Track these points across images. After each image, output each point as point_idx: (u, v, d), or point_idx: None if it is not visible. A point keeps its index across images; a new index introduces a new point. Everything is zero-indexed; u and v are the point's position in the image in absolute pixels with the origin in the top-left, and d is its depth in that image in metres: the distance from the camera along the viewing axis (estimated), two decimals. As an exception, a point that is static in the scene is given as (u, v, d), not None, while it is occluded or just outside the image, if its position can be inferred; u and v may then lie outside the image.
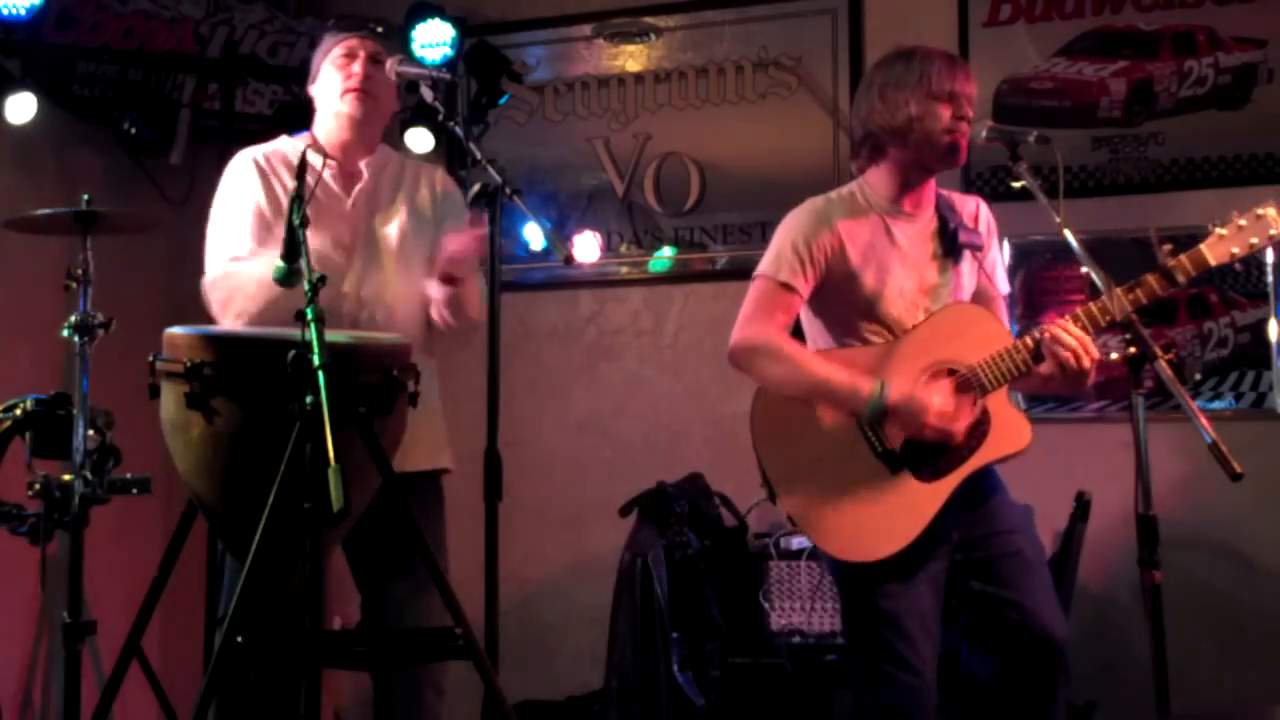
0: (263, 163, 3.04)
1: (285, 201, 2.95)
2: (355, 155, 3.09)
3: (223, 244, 2.97)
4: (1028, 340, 2.80)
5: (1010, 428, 2.84)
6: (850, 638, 2.98)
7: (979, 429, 2.85)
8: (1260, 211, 2.77)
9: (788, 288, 2.93)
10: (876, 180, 3.00)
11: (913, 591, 2.85)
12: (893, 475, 2.84)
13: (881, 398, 2.80)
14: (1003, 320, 3.01)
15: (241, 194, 3.01)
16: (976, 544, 2.91)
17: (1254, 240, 2.76)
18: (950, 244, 2.98)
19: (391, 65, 3.10)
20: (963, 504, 2.89)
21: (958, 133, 2.89)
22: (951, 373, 2.86)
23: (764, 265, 2.99)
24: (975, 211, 3.08)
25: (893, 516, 2.83)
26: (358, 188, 3.06)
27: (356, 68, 3.03)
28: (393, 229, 3.04)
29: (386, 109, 3.15)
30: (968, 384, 2.85)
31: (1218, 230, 2.78)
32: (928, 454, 2.84)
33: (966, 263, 3.01)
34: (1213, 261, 2.78)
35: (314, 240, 2.95)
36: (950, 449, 2.83)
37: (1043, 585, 2.91)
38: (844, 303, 2.96)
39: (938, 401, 2.80)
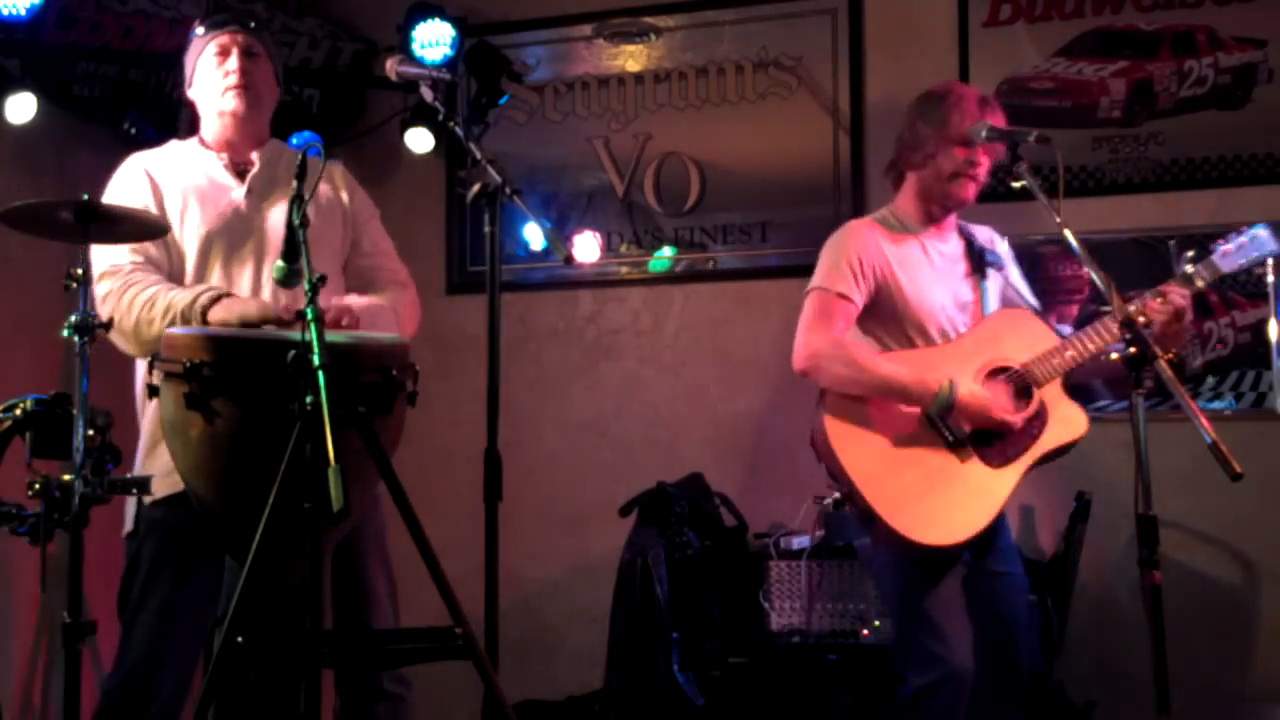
0: (152, 171, 3.01)
1: (171, 208, 2.95)
2: (244, 151, 3.05)
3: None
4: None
5: (1067, 417, 3.09)
6: (902, 621, 3.18)
7: (1038, 419, 3.07)
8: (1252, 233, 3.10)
9: (843, 298, 3.15)
10: (903, 205, 3.26)
11: (954, 577, 3.10)
12: (962, 463, 3.06)
13: (951, 394, 3.02)
14: (1042, 321, 3.23)
15: (130, 200, 2.96)
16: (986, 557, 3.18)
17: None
18: (978, 262, 3.22)
19: (392, 65, 3.09)
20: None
21: (966, 176, 3.12)
22: (1002, 370, 3.09)
23: (818, 279, 3.20)
24: (989, 237, 3.34)
25: (968, 500, 3.05)
26: (251, 174, 3.02)
27: (232, 64, 2.98)
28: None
29: (270, 100, 3.09)
30: (1022, 380, 3.08)
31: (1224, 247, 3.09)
32: (994, 443, 3.06)
33: (992, 280, 3.25)
34: (1225, 269, 3.07)
35: (200, 235, 2.94)
36: (1014, 437, 3.05)
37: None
38: (888, 317, 3.19)
39: (999, 399, 3.06)
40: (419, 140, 4.89)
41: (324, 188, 3.08)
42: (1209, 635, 4.22)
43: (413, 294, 3.14)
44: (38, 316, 4.25)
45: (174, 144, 3.13)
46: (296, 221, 2.47)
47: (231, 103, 2.99)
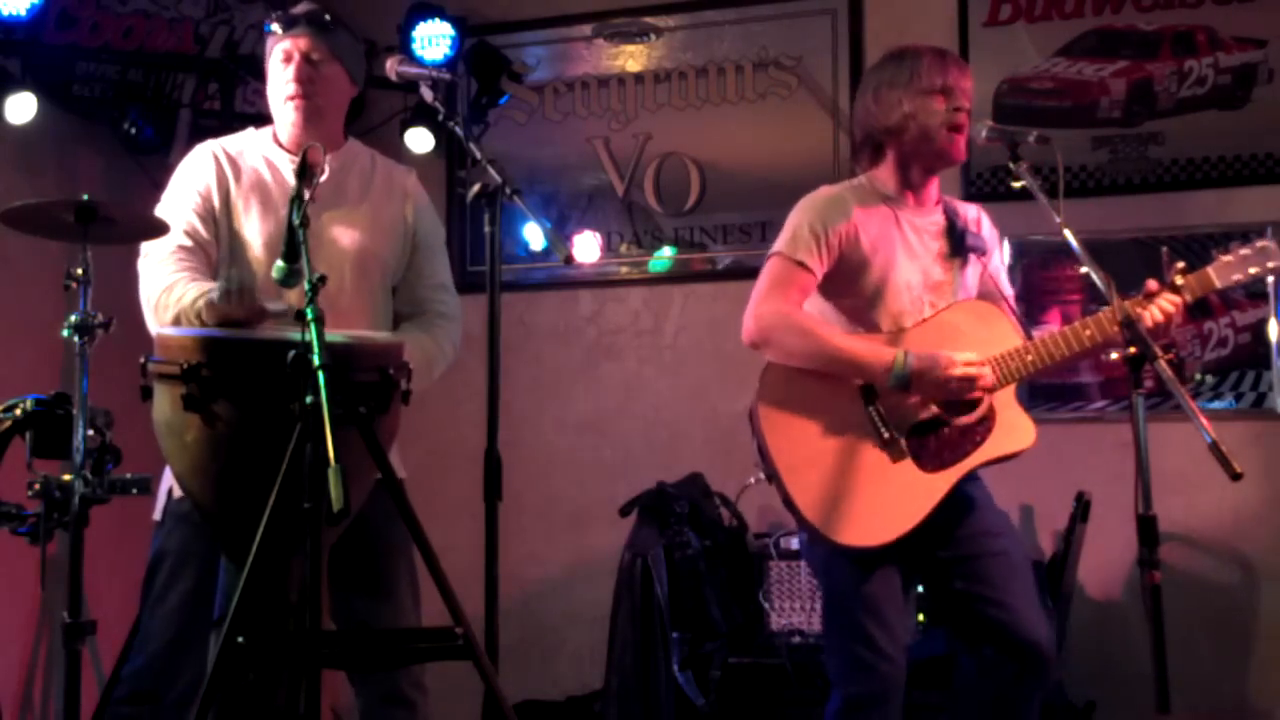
0: (221, 157, 2.99)
1: (235, 196, 2.95)
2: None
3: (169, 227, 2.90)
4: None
5: (1015, 427, 2.88)
6: (829, 625, 2.99)
7: (984, 424, 2.89)
8: (1263, 244, 2.87)
9: (803, 266, 2.95)
10: (883, 175, 3.04)
11: (891, 579, 2.90)
12: (893, 463, 2.87)
13: (905, 364, 2.84)
14: (1012, 319, 3.02)
15: (194, 184, 2.96)
16: (960, 542, 2.93)
17: (1253, 270, 2.87)
18: (958, 244, 3.01)
19: (392, 65, 3.09)
20: (946, 501, 2.90)
21: (954, 124, 2.94)
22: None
23: (779, 244, 3.00)
24: (977, 217, 3.12)
25: (895, 504, 2.86)
26: (317, 181, 3.01)
27: (291, 72, 2.95)
28: (351, 234, 2.97)
29: (335, 103, 3.05)
30: None
31: (1223, 257, 2.87)
32: (930, 445, 2.88)
33: (971, 265, 3.04)
34: (1218, 284, 2.86)
35: (259, 239, 2.93)
36: (953, 440, 2.87)
37: (1026, 588, 2.94)
38: (850, 291, 2.99)
39: (961, 357, 2.83)
40: (419, 140, 4.88)
41: (389, 203, 3.05)
42: (1209, 635, 4.22)
43: (457, 326, 3.10)
44: (38, 316, 4.25)
45: (251, 132, 3.09)
46: (297, 221, 2.47)
47: (290, 114, 2.97)
